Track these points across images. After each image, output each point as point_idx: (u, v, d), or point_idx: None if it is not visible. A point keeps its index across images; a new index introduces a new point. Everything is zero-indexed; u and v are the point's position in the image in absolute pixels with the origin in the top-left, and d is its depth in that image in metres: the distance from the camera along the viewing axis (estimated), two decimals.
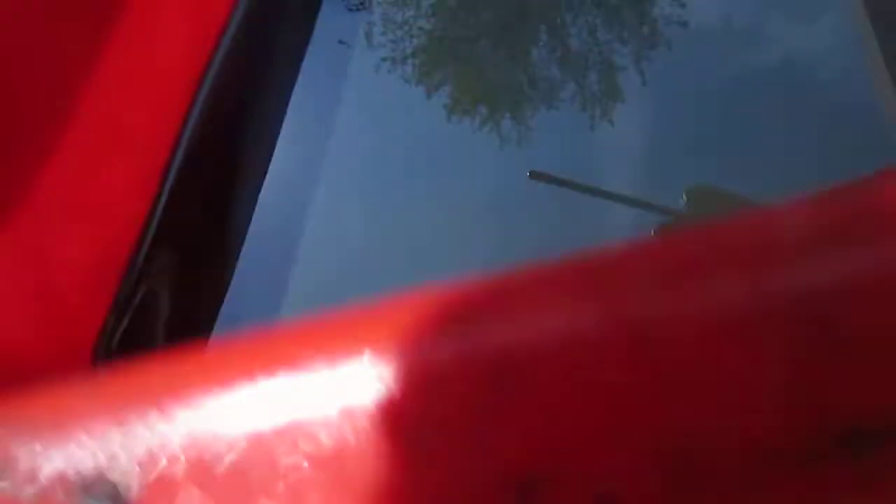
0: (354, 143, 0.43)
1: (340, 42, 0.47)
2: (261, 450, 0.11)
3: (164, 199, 0.32)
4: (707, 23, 0.42)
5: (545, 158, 0.40)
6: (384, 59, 0.48)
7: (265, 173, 0.37)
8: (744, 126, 0.36)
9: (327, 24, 0.47)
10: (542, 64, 0.46)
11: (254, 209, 0.37)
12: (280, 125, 0.38)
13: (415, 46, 0.50)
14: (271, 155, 0.37)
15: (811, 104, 0.38)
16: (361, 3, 0.49)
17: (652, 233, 0.31)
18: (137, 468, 0.11)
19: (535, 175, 0.33)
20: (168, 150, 0.31)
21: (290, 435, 0.11)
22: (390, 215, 0.42)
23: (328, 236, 0.41)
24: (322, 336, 0.12)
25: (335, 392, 0.11)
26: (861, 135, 0.36)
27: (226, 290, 0.36)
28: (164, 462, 0.11)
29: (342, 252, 0.41)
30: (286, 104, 0.39)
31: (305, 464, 0.11)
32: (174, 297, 0.34)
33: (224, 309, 0.36)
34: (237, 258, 0.37)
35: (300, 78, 0.40)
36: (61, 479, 0.11)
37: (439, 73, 0.49)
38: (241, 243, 0.37)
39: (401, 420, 0.11)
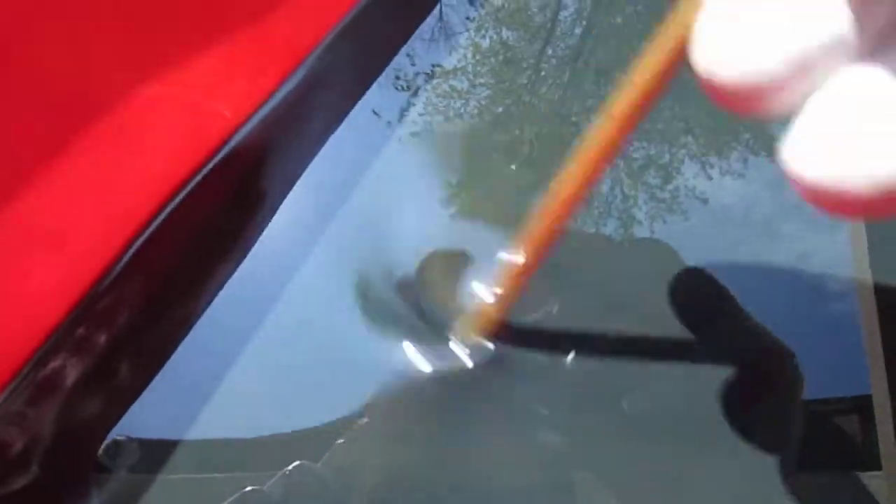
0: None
1: (374, 112, 0.48)
2: None
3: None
4: (727, 205, 0.43)
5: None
6: (412, 135, 0.48)
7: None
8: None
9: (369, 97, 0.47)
10: None
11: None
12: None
13: (445, 128, 0.51)
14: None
15: (813, 309, 0.38)
16: (408, 87, 0.50)
17: None
18: None
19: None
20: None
21: None
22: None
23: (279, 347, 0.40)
24: None
25: None
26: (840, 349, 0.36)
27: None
28: None
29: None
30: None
31: None
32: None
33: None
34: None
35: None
36: None
37: (456, 175, 0.49)
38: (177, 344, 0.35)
39: None
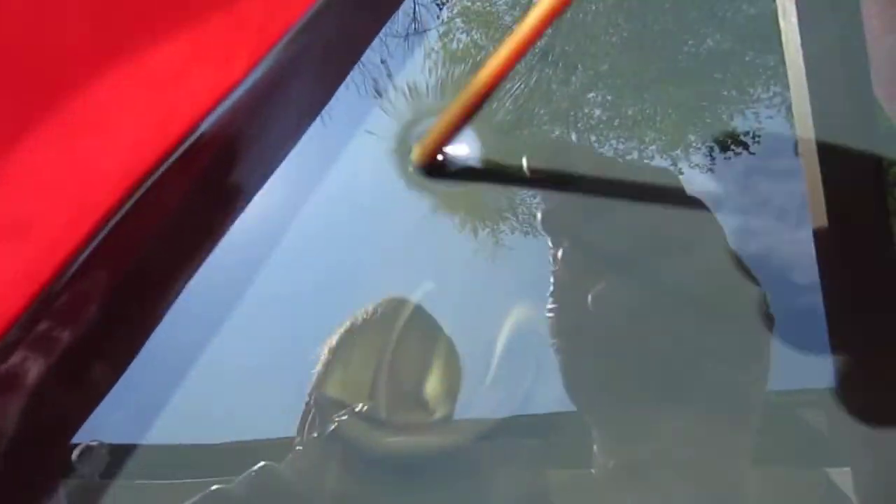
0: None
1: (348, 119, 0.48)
2: None
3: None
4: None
5: (519, 281, 0.39)
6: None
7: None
8: None
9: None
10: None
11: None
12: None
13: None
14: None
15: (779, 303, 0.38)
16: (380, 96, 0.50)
17: None
18: None
19: None
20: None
21: None
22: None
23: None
24: None
25: None
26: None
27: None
28: None
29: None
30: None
31: None
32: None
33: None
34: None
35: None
36: None
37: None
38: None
39: None
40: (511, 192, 0.44)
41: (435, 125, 0.33)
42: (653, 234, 0.28)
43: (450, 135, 0.32)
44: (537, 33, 0.29)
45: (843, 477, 0.34)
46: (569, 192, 0.29)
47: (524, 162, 0.31)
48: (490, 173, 0.36)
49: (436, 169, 0.34)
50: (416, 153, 0.33)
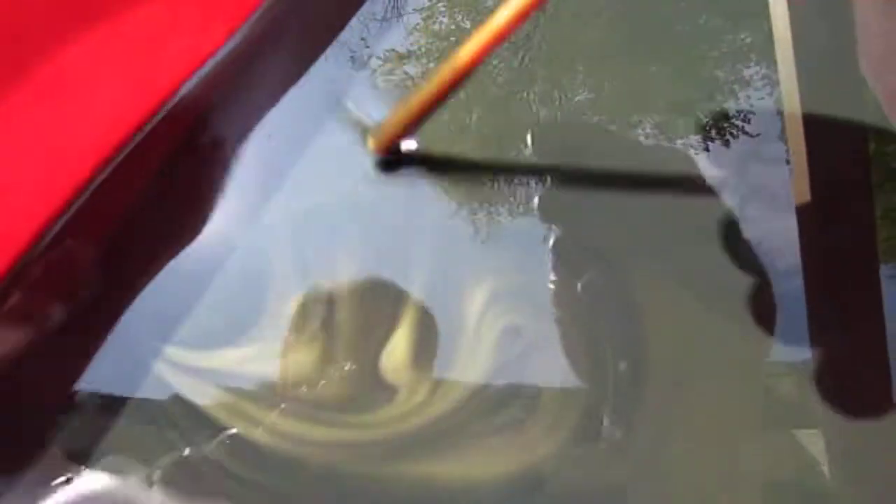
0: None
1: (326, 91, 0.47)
2: None
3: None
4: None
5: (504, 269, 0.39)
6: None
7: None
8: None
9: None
10: None
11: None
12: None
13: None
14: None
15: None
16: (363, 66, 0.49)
17: None
18: None
19: None
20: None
21: None
22: None
23: None
24: None
25: None
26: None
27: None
28: None
29: None
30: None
31: None
32: None
33: None
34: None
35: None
36: None
37: None
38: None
39: None
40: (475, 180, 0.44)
41: (394, 112, 0.34)
42: (647, 222, 0.28)
43: (410, 124, 0.33)
44: (515, 23, 0.29)
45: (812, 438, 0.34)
46: (567, 171, 0.30)
47: (528, 138, 0.31)
48: (449, 164, 0.36)
49: (392, 161, 0.35)
50: (372, 142, 0.35)
